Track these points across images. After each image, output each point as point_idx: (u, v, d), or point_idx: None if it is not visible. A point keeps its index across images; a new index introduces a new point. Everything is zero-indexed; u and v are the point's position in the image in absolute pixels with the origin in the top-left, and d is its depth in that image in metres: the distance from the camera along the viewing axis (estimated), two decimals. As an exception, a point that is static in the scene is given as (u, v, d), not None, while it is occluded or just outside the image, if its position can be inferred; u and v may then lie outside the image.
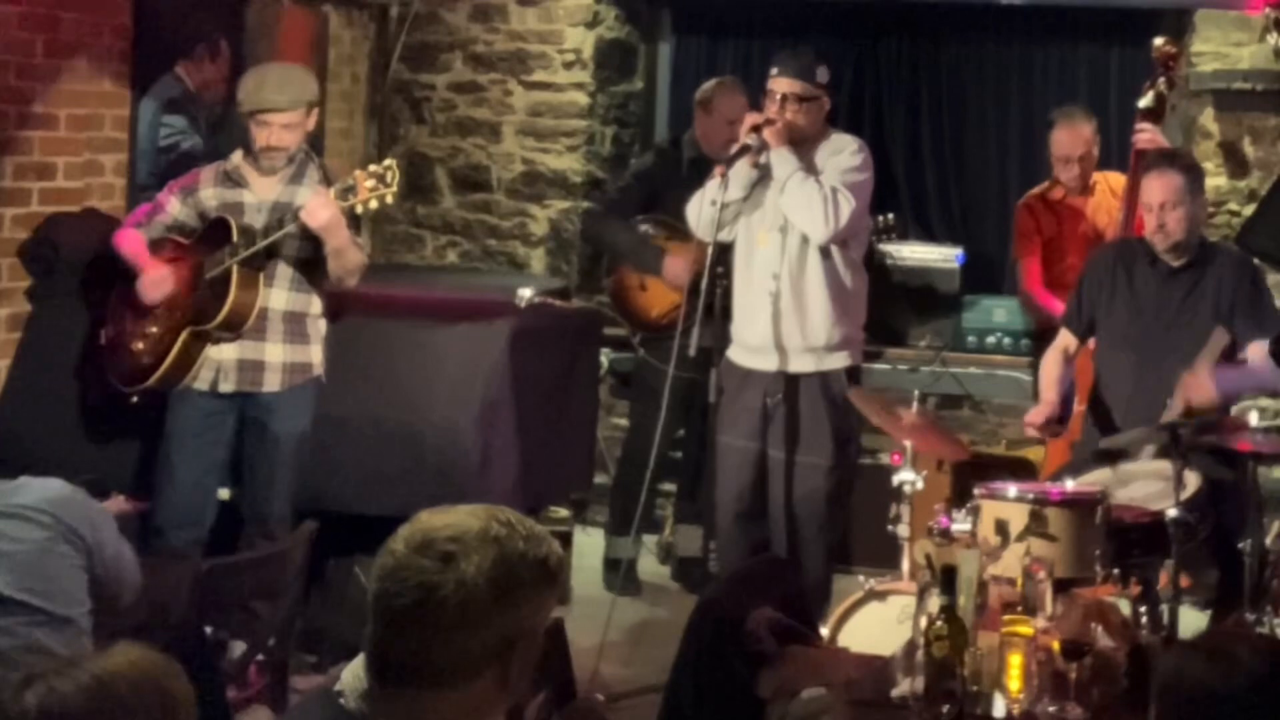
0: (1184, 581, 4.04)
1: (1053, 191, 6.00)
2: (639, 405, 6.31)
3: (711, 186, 4.97)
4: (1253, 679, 1.89)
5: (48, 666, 1.93)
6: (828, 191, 4.89)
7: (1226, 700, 1.89)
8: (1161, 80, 5.49)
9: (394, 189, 4.69)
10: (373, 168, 4.72)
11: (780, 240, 5.01)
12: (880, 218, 6.23)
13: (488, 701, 2.06)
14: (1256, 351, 4.72)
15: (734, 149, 4.96)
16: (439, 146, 7.42)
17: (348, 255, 4.82)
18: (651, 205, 6.10)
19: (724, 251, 5.08)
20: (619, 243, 6.21)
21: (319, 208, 4.66)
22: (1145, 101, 5.49)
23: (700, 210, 5.04)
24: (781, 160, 4.93)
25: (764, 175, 4.98)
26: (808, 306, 5.02)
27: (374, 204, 4.70)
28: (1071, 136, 5.90)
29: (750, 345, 5.04)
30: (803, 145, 5.01)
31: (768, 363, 5.04)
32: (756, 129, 4.91)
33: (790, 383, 5.04)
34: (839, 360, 5.08)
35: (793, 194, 4.90)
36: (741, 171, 4.95)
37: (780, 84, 4.98)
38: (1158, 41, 5.60)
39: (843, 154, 5.02)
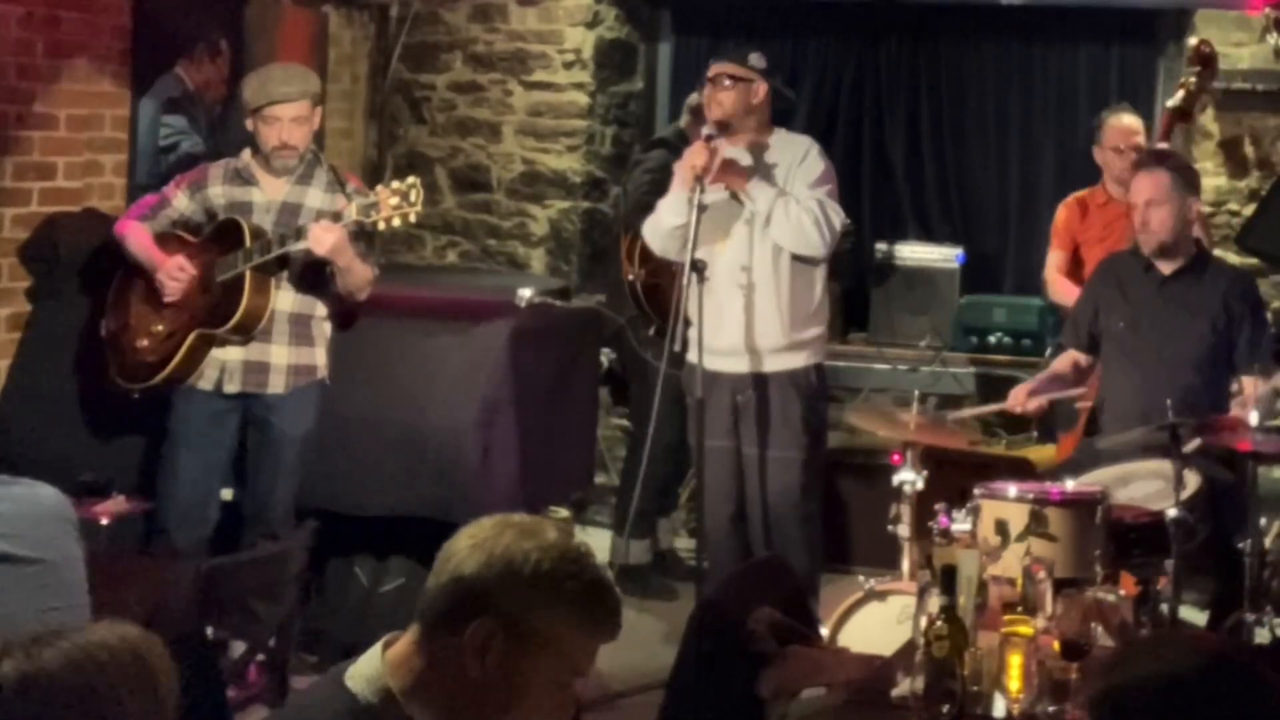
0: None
1: (1094, 195, 5.95)
2: (641, 407, 6.28)
3: (666, 208, 5.06)
4: (1180, 674, 1.84)
5: (27, 636, 1.91)
6: (816, 210, 4.95)
7: (1156, 694, 1.83)
8: (1194, 80, 5.47)
9: (417, 208, 4.65)
10: (396, 185, 4.66)
11: (743, 245, 5.05)
12: None
13: (455, 668, 2.07)
14: (1250, 390, 4.72)
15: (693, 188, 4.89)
16: (439, 146, 7.42)
17: (356, 272, 4.80)
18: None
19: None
20: None
21: (323, 234, 4.63)
22: (1175, 101, 5.48)
23: (657, 231, 5.13)
24: (756, 196, 4.98)
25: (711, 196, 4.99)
26: (773, 307, 5.05)
27: (396, 222, 4.68)
28: (1117, 128, 5.85)
29: (717, 349, 5.04)
30: (745, 137, 5.06)
31: (736, 365, 5.07)
32: (699, 180, 4.85)
33: (758, 381, 5.08)
34: (806, 359, 5.13)
35: (780, 224, 4.96)
36: (681, 201, 4.96)
37: (713, 68, 5.14)
38: (1193, 41, 5.59)
39: (809, 159, 5.08)
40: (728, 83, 5.06)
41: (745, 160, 5.05)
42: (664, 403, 5.14)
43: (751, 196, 5.00)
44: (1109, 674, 1.90)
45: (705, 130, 5.00)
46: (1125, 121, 5.89)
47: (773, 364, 5.09)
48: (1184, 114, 5.49)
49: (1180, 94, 5.48)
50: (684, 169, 4.94)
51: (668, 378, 4.97)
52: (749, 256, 5.05)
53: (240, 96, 5.01)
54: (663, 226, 5.10)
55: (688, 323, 4.93)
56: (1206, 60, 5.51)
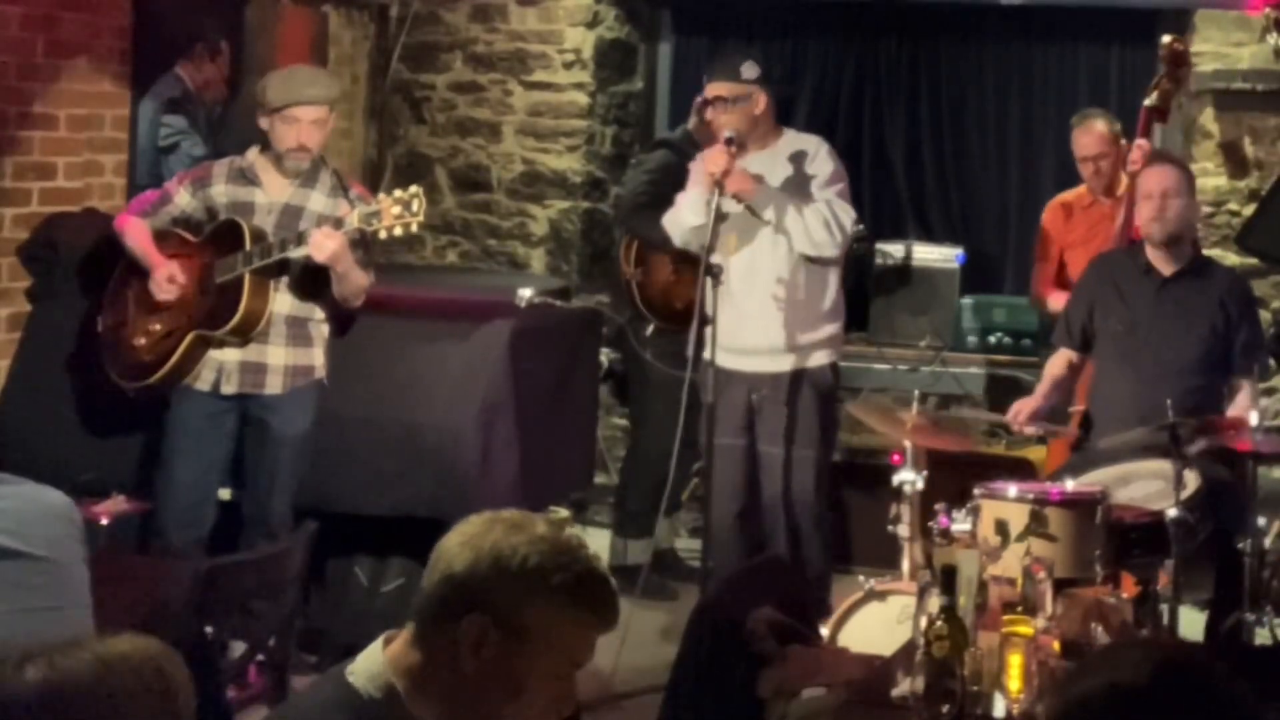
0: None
1: (1079, 197, 5.97)
2: (641, 406, 6.28)
3: (686, 205, 5.06)
4: (1129, 683, 1.82)
5: (49, 644, 1.91)
6: (825, 210, 4.96)
7: (1105, 706, 1.82)
8: (1167, 78, 5.49)
9: (420, 218, 4.63)
10: (398, 194, 4.65)
11: (757, 246, 5.05)
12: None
13: (451, 670, 2.08)
14: (1244, 396, 4.72)
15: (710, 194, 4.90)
16: (439, 146, 7.42)
17: (352, 279, 4.80)
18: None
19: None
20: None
21: (325, 240, 4.62)
22: (1151, 100, 5.49)
23: (678, 227, 5.14)
24: (765, 202, 4.97)
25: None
26: (789, 307, 5.07)
27: (398, 231, 4.67)
28: (1085, 137, 5.87)
29: (733, 348, 5.04)
30: (755, 146, 5.05)
31: (753, 364, 5.09)
32: (719, 184, 4.83)
33: (776, 380, 5.10)
34: (822, 357, 5.15)
35: (793, 227, 4.97)
36: (700, 201, 4.97)
37: (708, 89, 5.09)
38: (1165, 39, 5.60)
39: (818, 159, 5.08)
40: (727, 105, 5.02)
41: (755, 167, 5.04)
42: (671, 403, 5.13)
43: (762, 203, 4.98)
44: (1062, 688, 1.90)
45: (726, 134, 4.93)
46: (1095, 128, 5.88)
47: (789, 363, 5.10)
48: (1160, 112, 5.50)
49: (1155, 93, 5.48)
50: (702, 172, 4.94)
51: (680, 381, 4.97)
52: (764, 257, 5.05)
53: (257, 94, 4.93)
54: (683, 224, 5.12)
55: (703, 323, 4.93)
56: (1179, 58, 5.52)
